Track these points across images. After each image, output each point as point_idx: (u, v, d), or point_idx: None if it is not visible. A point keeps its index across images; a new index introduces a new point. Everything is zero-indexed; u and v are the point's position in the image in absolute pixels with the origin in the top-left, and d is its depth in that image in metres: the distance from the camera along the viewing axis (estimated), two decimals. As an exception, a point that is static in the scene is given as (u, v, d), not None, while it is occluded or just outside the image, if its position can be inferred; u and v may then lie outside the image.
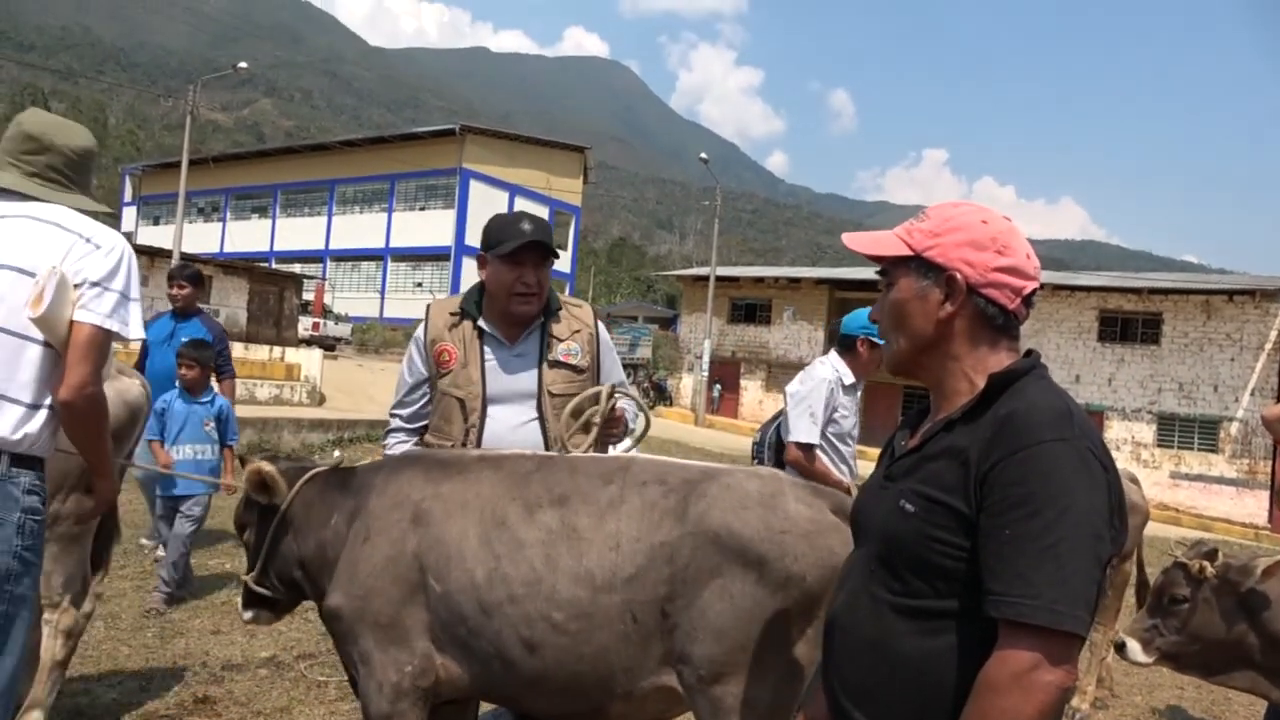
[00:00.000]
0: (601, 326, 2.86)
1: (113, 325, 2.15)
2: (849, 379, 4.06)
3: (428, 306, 2.82)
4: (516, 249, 2.58)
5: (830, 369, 4.00)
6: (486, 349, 2.69)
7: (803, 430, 3.85)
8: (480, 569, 2.16)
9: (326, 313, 35.92)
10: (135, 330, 2.22)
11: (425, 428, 2.80)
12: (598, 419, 2.51)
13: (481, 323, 2.70)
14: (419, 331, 2.78)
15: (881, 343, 4.14)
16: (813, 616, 2.04)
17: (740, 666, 2.02)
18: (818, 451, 3.87)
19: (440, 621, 2.21)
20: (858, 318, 4.01)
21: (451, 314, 2.73)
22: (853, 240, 1.56)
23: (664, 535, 2.09)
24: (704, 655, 2.02)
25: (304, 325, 32.55)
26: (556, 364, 2.70)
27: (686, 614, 2.03)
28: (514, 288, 2.62)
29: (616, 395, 2.60)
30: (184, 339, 5.60)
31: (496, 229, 2.67)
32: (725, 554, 2.03)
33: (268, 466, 2.44)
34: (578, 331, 2.76)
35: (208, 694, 3.82)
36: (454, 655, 2.22)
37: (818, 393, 3.89)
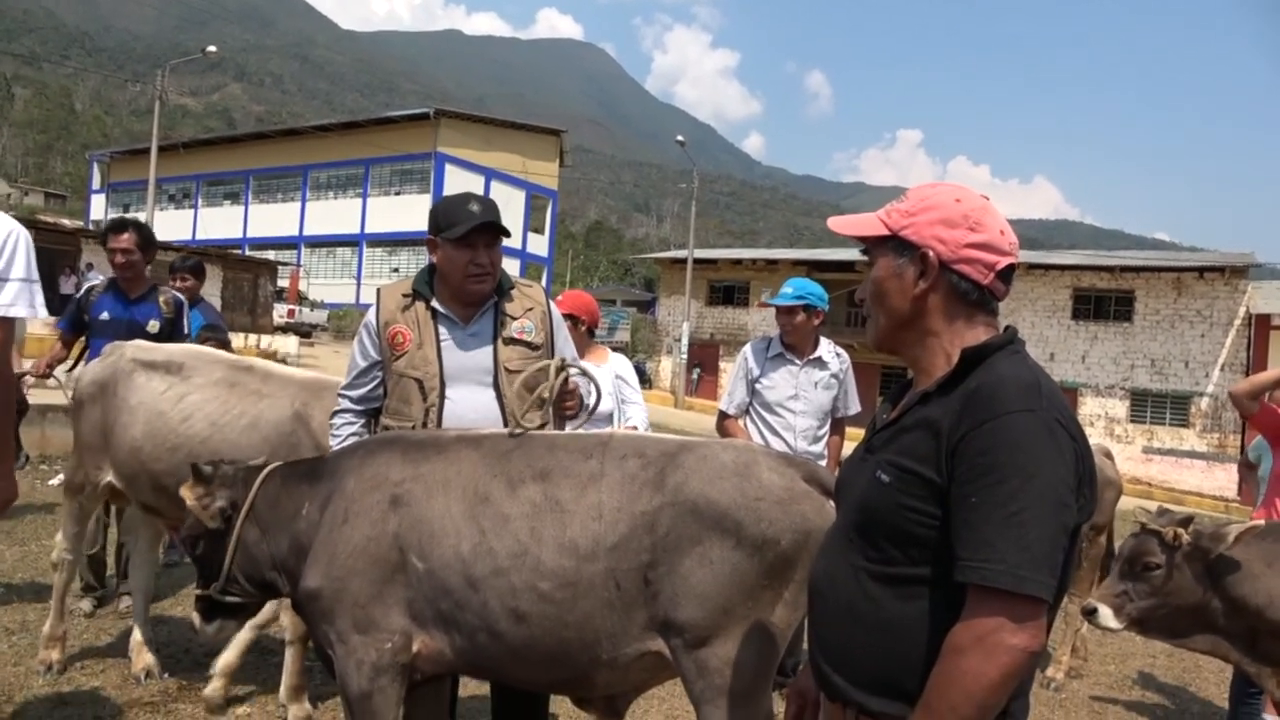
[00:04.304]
0: (554, 305, 2.91)
1: (19, 312, 2.25)
2: (776, 349, 4.36)
3: (378, 290, 2.83)
4: (468, 232, 2.60)
5: (752, 343, 4.50)
6: (441, 329, 2.71)
7: (721, 399, 4.56)
8: (466, 543, 2.19)
9: (302, 299, 35.64)
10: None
11: (374, 410, 2.82)
12: (548, 394, 2.53)
13: (435, 304, 2.72)
14: (369, 315, 2.79)
15: (780, 304, 4.44)
16: (789, 580, 2.13)
17: (722, 629, 2.09)
18: (743, 420, 4.44)
19: (424, 598, 2.23)
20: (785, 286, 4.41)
21: (404, 295, 2.75)
22: (836, 223, 1.60)
23: (644, 505, 2.15)
24: (687, 619, 2.09)
25: (279, 312, 32.28)
26: (511, 341, 2.73)
27: (668, 580, 2.10)
28: (467, 269, 2.64)
29: (568, 369, 2.62)
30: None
31: (445, 212, 2.68)
32: (703, 522, 2.11)
33: (191, 500, 2.40)
34: (530, 310, 2.80)
35: (191, 681, 3.82)
36: (438, 630, 2.25)
37: (735, 365, 4.51)
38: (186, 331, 4.97)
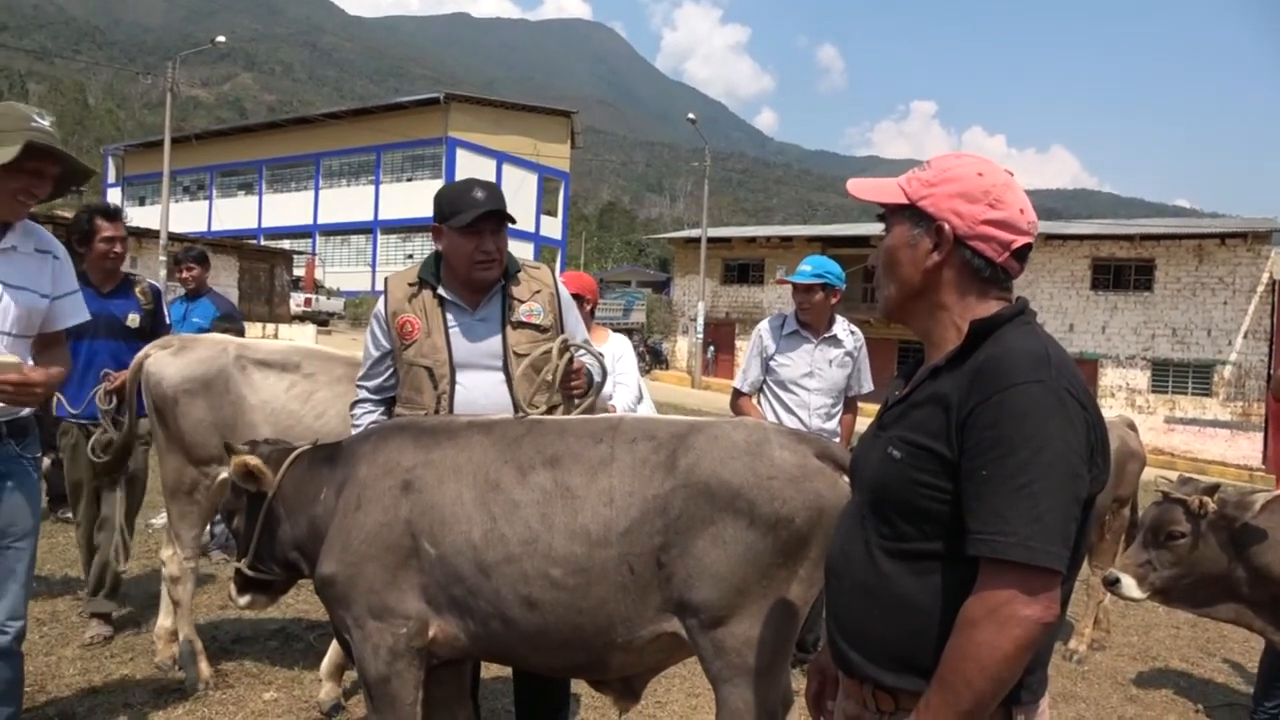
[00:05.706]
0: (562, 285, 2.90)
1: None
2: (791, 327, 4.34)
3: (386, 279, 2.84)
4: (474, 219, 2.59)
5: (767, 320, 4.49)
6: (449, 316, 2.71)
7: (736, 376, 4.56)
8: (477, 530, 2.20)
9: (318, 288, 35.81)
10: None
11: (391, 399, 2.84)
12: (549, 377, 2.55)
13: (441, 290, 2.72)
14: (379, 305, 2.81)
15: (798, 282, 4.42)
16: (804, 557, 2.12)
17: (738, 608, 2.09)
18: (756, 397, 4.43)
19: (436, 584, 2.25)
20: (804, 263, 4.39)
21: (410, 284, 2.76)
22: (856, 186, 1.58)
23: (656, 488, 2.14)
24: (702, 600, 2.09)
25: (296, 301, 32.49)
26: (520, 325, 2.73)
27: (682, 562, 2.10)
28: (474, 256, 2.64)
29: (571, 350, 2.64)
30: (195, 319, 5.61)
31: (450, 199, 2.67)
32: (716, 502, 2.10)
33: (253, 460, 2.44)
34: (538, 292, 2.79)
35: (219, 667, 3.87)
36: (451, 616, 2.27)
37: (750, 343, 4.51)
38: (168, 322, 4.58)
